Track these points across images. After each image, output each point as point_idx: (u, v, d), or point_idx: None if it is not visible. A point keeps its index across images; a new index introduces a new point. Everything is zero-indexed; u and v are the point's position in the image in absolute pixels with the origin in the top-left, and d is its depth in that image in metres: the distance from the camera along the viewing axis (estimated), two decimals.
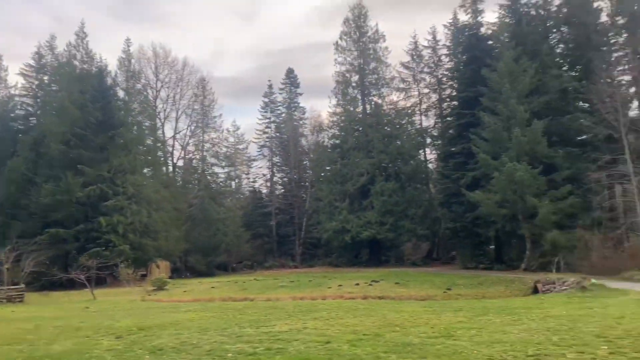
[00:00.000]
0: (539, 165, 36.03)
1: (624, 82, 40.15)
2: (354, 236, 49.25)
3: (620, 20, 42.41)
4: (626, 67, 40.45)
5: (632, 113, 37.33)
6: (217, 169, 61.56)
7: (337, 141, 57.41)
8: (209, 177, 60.09)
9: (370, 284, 34.11)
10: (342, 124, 56.43)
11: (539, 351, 7.84)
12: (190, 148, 60.50)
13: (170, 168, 59.42)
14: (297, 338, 10.60)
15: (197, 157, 61.22)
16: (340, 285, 34.11)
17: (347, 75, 56.41)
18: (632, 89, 39.02)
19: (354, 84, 56.53)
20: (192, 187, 59.97)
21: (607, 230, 33.33)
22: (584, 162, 36.09)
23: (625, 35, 41.52)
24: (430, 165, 60.16)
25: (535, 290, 26.52)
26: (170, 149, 59.23)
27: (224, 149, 61.44)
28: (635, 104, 39.69)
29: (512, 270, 37.57)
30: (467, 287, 33.13)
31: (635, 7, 41.20)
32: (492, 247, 45.06)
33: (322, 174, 58.54)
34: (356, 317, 15.05)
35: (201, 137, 59.90)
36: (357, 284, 34.28)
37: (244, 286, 35.18)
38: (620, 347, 7.89)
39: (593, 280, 23.45)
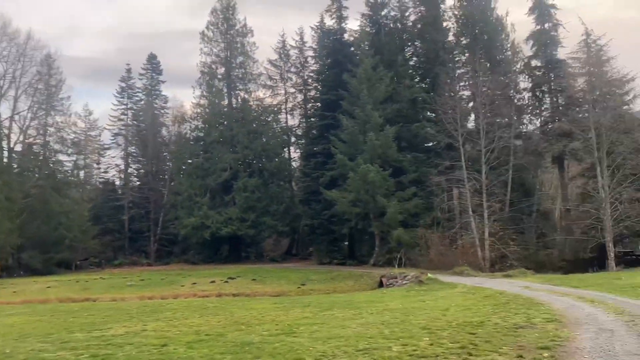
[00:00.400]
0: (389, 168, 38.72)
1: (464, 96, 45.05)
2: (214, 232, 48.09)
3: (464, 41, 47.50)
4: (467, 83, 45.35)
5: (470, 125, 41.90)
6: (62, 157, 55.58)
7: (201, 134, 55.61)
8: (52, 165, 53.96)
9: (226, 281, 33.62)
10: (206, 117, 54.73)
11: (369, 345, 8.24)
12: (32, 132, 53.79)
13: (6, 153, 52.22)
14: (131, 342, 9.86)
15: (39, 142, 54.67)
16: (194, 283, 33.08)
17: (213, 66, 54.89)
18: (471, 104, 43.59)
19: (219, 76, 55.20)
20: (31, 175, 53.37)
21: (444, 229, 36.99)
22: (428, 166, 39.56)
23: (467, 54, 46.55)
24: (293, 164, 61.24)
25: (381, 284, 28.34)
26: (7, 131, 52.02)
27: (72, 135, 55.74)
28: (472, 117, 44.45)
29: (363, 266, 39.94)
30: (320, 282, 34.36)
31: (476, 31, 46.45)
32: (346, 243, 47.37)
33: (183, 167, 56.22)
34: (202, 317, 14.56)
35: (45, 121, 53.56)
36: (213, 282, 33.57)
37: (86, 285, 32.32)
38: (440, 338, 8.63)
39: (429, 275, 25.82)
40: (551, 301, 13.80)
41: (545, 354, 7.03)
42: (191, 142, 56.69)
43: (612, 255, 31.97)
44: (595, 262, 33.95)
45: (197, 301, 21.45)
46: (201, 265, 48.21)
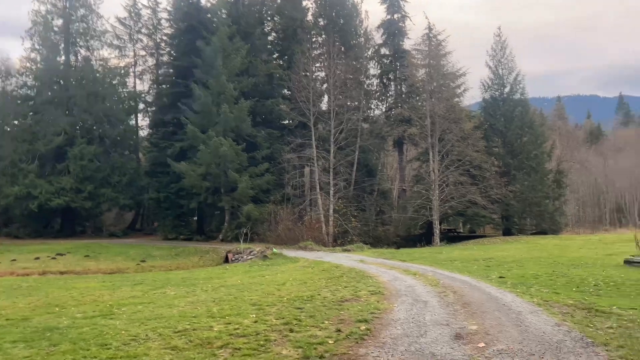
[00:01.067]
0: (242, 142, 38.09)
1: (319, 77, 46.03)
2: (43, 204, 42.78)
3: (321, 22, 48.34)
4: (322, 64, 46.27)
5: (323, 106, 43.00)
6: None
7: (30, 92, 48.66)
8: None
9: (54, 258, 30.18)
10: (37, 73, 47.98)
11: (190, 325, 7.72)
12: None
13: None
14: None
15: None
16: (14, 260, 29.09)
17: (49, 17, 48.10)
18: (325, 85, 44.61)
19: (56, 29, 48.61)
20: None
21: (294, 205, 37.71)
22: (281, 143, 39.77)
23: (323, 36, 47.44)
24: (141, 132, 57.06)
25: (227, 260, 27.84)
26: None
27: None
28: (325, 98, 45.56)
29: (211, 241, 38.98)
30: (163, 258, 32.65)
31: (333, 14, 47.62)
32: (195, 218, 45.83)
33: (7, 129, 48.81)
34: (10, 299, 12.63)
35: None
36: (38, 258, 29.88)
37: None
38: (267, 315, 8.45)
39: (274, 250, 26.06)
40: (379, 274, 14.65)
41: (362, 327, 7.22)
42: (18, 101, 49.36)
43: (438, 232, 35.69)
44: (424, 238, 37.54)
45: (10, 280, 18.72)
46: (27, 240, 42.67)
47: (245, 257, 26.68)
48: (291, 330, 7.12)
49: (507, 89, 41.75)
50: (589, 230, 45.87)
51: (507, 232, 39.30)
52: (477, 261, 19.31)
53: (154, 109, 53.08)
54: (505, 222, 40.37)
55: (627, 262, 15.06)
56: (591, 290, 11.02)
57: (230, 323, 7.79)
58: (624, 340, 6.31)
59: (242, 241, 28.59)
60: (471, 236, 42.19)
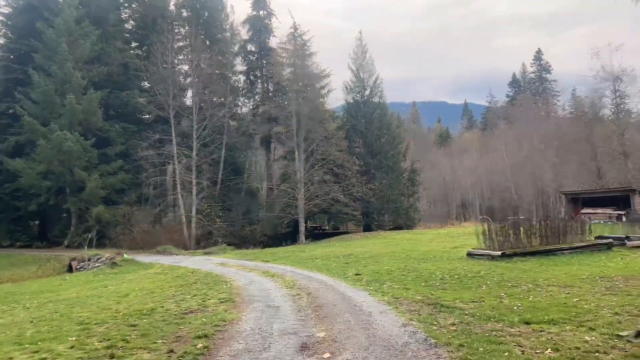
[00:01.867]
0: (92, 137, 34.55)
1: (183, 71, 43.64)
2: None
3: (185, 13, 45.97)
4: (186, 57, 43.93)
5: (188, 101, 40.72)
6: None
7: None
8: None
9: None
10: None
11: None
12: None
13: None
14: None
15: None
16: None
17: None
18: (189, 79, 42.42)
19: None
20: None
21: (152, 206, 35.19)
22: (139, 139, 36.83)
23: (187, 28, 45.08)
24: None
25: (70, 269, 24.85)
26: None
27: None
28: (189, 93, 43.29)
29: (56, 248, 34.71)
30: None
31: (198, 5, 45.59)
32: (37, 222, 40.62)
33: None
34: None
35: None
36: None
37: None
38: (90, 336, 7.18)
39: (125, 256, 23.82)
40: (237, 278, 13.87)
41: (200, 344, 6.37)
42: None
43: (303, 229, 35.90)
44: (290, 236, 37.55)
45: None
46: None
47: (92, 264, 24.04)
48: (112, 357, 6.01)
49: (367, 92, 43.58)
50: (438, 224, 49.93)
51: (368, 228, 41.01)
52: (338, 258, 19.47)
53: None
54: (366, 218, 42.09)
55: (469, 254, 16.20)
56: (438, 284, 11.43)
57: (38, 351, 6.41)
58: (464, 338, 6.34)
59: (85, 247, 25.73)
60: (335, 233, 43.32)
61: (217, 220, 35.14)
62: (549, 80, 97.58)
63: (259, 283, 12.35)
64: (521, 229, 16.23)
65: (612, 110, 40.94)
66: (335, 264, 17.05)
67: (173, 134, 33.60)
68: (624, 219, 33.40)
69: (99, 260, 23.83)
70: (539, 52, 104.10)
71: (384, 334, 6.67)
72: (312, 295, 10.04)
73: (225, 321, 7.76)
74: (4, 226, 37.45)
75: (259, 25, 45.99)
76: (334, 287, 11.20)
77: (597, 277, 11.29)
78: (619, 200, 34.98)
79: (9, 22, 43.22)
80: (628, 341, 5.88)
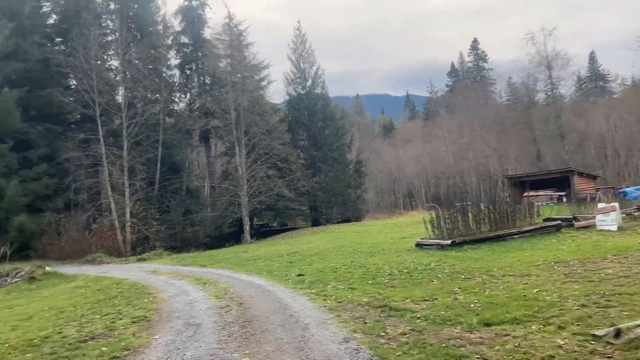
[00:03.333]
0: (10, 140, 31.38)
1: (112, 66, 40.68)
2: None
3: (112, 6, 42.93)
4: (115, 52, 40.98)
5: (120, 98, 37.89)
6: None
7: None
8: None
9: None
10: None
11: None
12: None
13: None
14: None
15: None
16: None
17: None
18: (120, 76, 39.61)
19: None
20: None
21: (81, 212, 32.48)
22: (64, 140, 33.93)
23: (115, 21, 42.12)
24: None
25: None
26: None
27: None
28: (121, 90, 40.47)
29: None
30: None
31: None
32: None
33: None
34: None
35: None
36: None
37: None
38: None
39: (48, 268, 21.46)
40: (164, 288, 12.30)
41: None
42: None
43: (248, 228, 34.32)
44: (234, 236, 35.87)
45: None
46: None
47: (10, 280, 21.52)
48: None
49: (309, 83, 42.44)
50: (386, 215, 49.63)
51: (316, 222, 39.99)
52: (282, 257, 18.21)
53: None
54: (314, 212, 41.07)
55: (418, 245, 15.36)
56: (386, 280, 10.41)
57: None
58: (418, 354, 5.25)
59: (6, 262, 23.13)
60: (283, 229, 42.00)
61: (154, 223, 32.94)
62: (486, 68, 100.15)
63: (187, 294, 10.87)
64: (470, 215, 15.55)
65: (548, 94, 41.89)
66: (278, 264, 15.77)
67: (100, 133, 31.03)
68: (564, 199, 34.10)
69: (18, 275, 21.33)
70: (475, 41, 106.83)
71: (320, 354, 5.46)
72: (244, 305, 8.71)
73: (129, 349, 6.31)
74: None
75: (192, 16, 43.74)
76: (271, 293, 9.91)
77: (552, 263, 10.62)
78: (559, 182, 35.72)
79: None
80: (608, 342, 4.96)
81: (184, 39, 44.51)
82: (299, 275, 12.37)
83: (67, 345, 6.82)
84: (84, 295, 13.28)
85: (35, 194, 31.90)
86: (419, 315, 7.02)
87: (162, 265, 20.45)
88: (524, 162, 45.99)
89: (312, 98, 41.87)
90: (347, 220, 40.30)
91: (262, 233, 40.49)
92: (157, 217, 34.62)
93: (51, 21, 42.45)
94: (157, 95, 40.95)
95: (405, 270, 11.44)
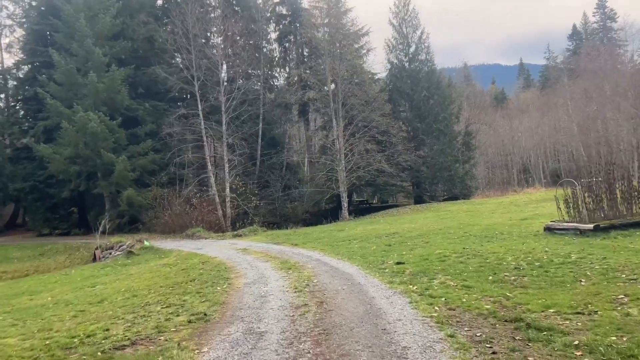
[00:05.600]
0: (118, 117, 32.58)
1: (216, 43, 40.68)
2: None
3: None
4: (218, 29, 40.98)
5: (222, 74, 37.85)
6: None
7: None
8: None
9: None
10: None
11: None
12: None
13: None
14: None
15: None
16: None
17: None
18: (221, 52, 39.56)
19: None
20: None
21: (184, 187, 33.04)
22: (168, 116, 34.63)
23: None
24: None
25: (95, 259, 23.02)
26: None
27: None
28: (222, 66, 40.51)
29: (91, 235, 33.44)
30: (23, 260, 27.19)
31: None
32: (75, 209, 39.67)
33: None
34: None
35: None
36: None
37: None
38: None
39: (146, 243, 21.57)
40: (246, 272, 10.94)
41: None
42: None
43: (346, 205, 32.65)
44: (332, 212, 34.50)
45: None
46: None
47: (114, 253, 22.04)
48: None
49: (412, 49, 39.21)
50: (498, 192, 45.18)
51: (419, 200, 37.30)
52: (380, 238, 16.23)
53: (17, 83, 45.19)
54: (417, 189, 38.35)
55: (548, 229, 12.46)
56: (513, 277, 7.98)
57: None
58: None
59: (106, 234, 23.79)
60: (383, 206, 39.89)
61: (254, 198, 32.54)
62: (615, 29, 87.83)
63: (266, 281, 9.32)
64: (617, 192, 12.27)
65: None
66: (375, 247, 13.81)
67: (199, 108, 30.94)
68: None
69: (120, 249, 21.77)
70: None
71: None
72: (325, 306, 6.88)
73: None
74: (41, 214, 36.64)
75: None
76: (362, 288, 7.97)
77: None
78: None
79: (32, 3, 41.91)
80: None
81: (282, 10, 43.41)
82: (397, 263, 10.30)
83: (98, 354, 5.47)
84: (166, 275, 12.41)
85: (142, 169, 32.95)
86: (576, 342, 4.66)
87: (254, 242, 19.46)
88: None
89: (416, 64, 38.67)
90: (454, 198, 37.07)
91: (361, 210, 38.75)
92: (257, 192, 34.27)
93: (159, 1, 43.58)
94: (257, 70, 40.47)
95: (537, 263, 8.85)
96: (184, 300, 8.16)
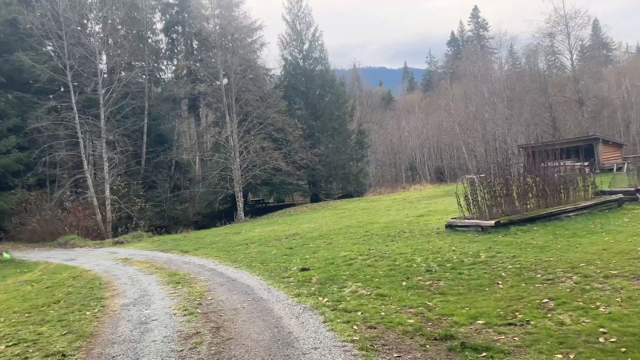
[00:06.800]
0: None
1: (94, 31, 36.70)
2: None
3: None
4: (96, 15, 37.03)
5: (103, 66, 34.18)
6: None
7: None
8: None
9: None
10: None
11: None
12: None
13: None
14: None
15: None
16: None
17: None
18: (99, 41, 35.78)
19: None
20: None
21: (55, 189, 29.33)
22: (36, 109, 30.46)
23: None
24: None
25: None
26: None
27: None
28: (100, 56, 36.72)
29: None
30: None
31: None
32: None
33: None
34: None
35: None
36: None
37: None
38: None
39: (6, 255, 18.40)
40: (124, 289, 9.27)
41: None
42: None
43: (241, 205, 31.23)
44: (226, 213, 32.84)
45: None
46: None
47: None
48: None
49: (306, 46, 38.79)
50: (389, 189, 46.52)
51: (315, 198, 37.00)
52: (279, 240, 15.22)
53: None
54: (313, 187, 38.03)
55: (450, 226, 12.31)
56: (427, 282, 7.38)
57: None
58: None
59: None
60: (280, 206, 39.05)
61: (138, 200, 29.78)
62: (487, 37, 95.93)
63: (148, 302, 7.82)
64: (514, 188, 12.48)
65: (568, 57, 38.52)
66: (275, 251, 12.76)
67: (73, 100, 27.52)
68: (587, 170, 31.12)
69: None
70: (475, 9, 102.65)
71: None
72: (222, 333, 5.65)
73: None
74: None
75: None
76: (266, 305, 6.84)
77: None
78: (580, 151, 32.65)
79: None
80: None
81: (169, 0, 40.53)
82: (302, 270, 9.34)
83: None
84: (24, 296, 10.23)
85: (4, 169, 28.64)
86: None
87: (138, 250, 17.40)
88: (536, 131, 42.90)
89: (310, 62, 38.29)
90: (348, 196, 37.29)
91: (257, 210, 37.54)
92: (142, 193, 31.50)
93: None
94: (142, 62, 37.34)
95: (448, 264, 8.40)
96: (39, 334, 6.41)
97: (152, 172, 34.66)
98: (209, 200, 34.93)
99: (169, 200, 34.60)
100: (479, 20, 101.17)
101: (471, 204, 12.38)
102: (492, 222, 11.27)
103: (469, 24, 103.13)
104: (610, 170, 30.32)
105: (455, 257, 8.90)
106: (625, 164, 30.39)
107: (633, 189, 13.98)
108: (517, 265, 7.75)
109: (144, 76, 37.07)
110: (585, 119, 38.07)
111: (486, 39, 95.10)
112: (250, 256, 12.45)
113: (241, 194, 31.94)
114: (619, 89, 57.83)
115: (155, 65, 40.71)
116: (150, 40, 39.41)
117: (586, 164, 31.74)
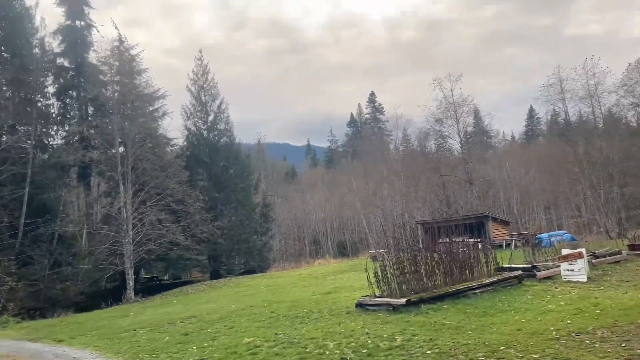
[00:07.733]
0: None
1: None
2: None
3: None
4: None
5: None
6: None
7: None
8: None
9: None
10: None
11: None
12: None
13: None
14: None
15: None
16: None
17: None
18: None
19: None
20: None
21: None
22: None
23: None
24: None
25: None
26: None
27: None
28: None
29: None
30: None
31: None
32: None
33: None
34: None
35: None
36: None
37: None
38: None
39: None
40: None
41: None
42: None
43: (132, 283, 28.47)
44: (115, 293, 29.69)
45: None
46: None
47: None
48: None
49: (211, 117, 38.34)
50: (293, 264, 45.66)
51: (216, 275, 34.98)
52: (173, 325, 13.60)
53: None
54: (213, 262, 36.08)
55: (360, 305, 11.71)
56: None
57: None
58: None
59: None
60: (176, 283, 36.27)
61: (8, 279, 25.94)
62: (383, 120, 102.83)
63: None
64: (422, 264, 12.33)
65: (457, 140, 41.93)
66: (168, 338, 11.23)
67: None
68: (488, 246, 32.83)
69: None
70: (372, 94, 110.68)
71: None
72: None
73: None
74: None
75: (75, 37, 37.99)
76: None
77: (572, 333, 7.52)
78: (473, 228, 34.57)
79: None
80: None
81: (64, 62, 38.43)
82: None
83: None
84: None
85: None
86: None
87: (0, 340, 14.63)
88: (432, 208, 45.29)
89: (215, 134, 37.70)
90: (251, 271, 35.77)
91: (150, 288, 34.49)
92: (14, 270, 27.59)
93: None
94: (29, 126, 34.29)
95: (364, 351, 7.69)
96: None
97: (29, 246, 30.79)
98: (95, 278, 31.57)
99: (48, 278, 30.66)
100: (375, 104, 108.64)
101: (381, 281, 11.97)
102: (404, 301, 10.87)
103: (366, 107, 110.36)
104: (500, 246, 32.22)
105: (370, 342, 8.23)
106: (513, 240, 32.58)
107: (530, 265, 14.56)
108: (436, 350, 7.25)
109: (28, 141, 33.93)
110: (475, 198, 40.86)
111: (382, 122, 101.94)
112: (138, 345, 10.81)
113: (132, 271, 29.24)
114: (501, 172, 63.75)
115: (44, 130, 37.57)
116: (40, 104, 36.59)
117: (479, 240, 33.60)
